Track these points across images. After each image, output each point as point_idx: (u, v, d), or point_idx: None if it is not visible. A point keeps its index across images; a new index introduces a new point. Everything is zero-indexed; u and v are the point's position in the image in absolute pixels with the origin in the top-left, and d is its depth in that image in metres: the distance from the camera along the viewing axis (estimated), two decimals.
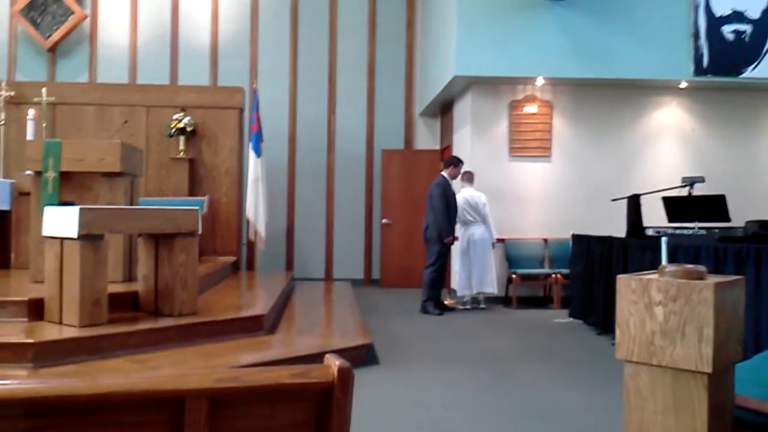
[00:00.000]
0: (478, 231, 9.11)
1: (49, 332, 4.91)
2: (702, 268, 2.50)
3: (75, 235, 4.97)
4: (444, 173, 9.14)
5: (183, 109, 9.99)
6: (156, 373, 1.43)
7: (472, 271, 9.10)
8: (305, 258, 11.90)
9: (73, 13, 11.36)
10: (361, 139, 12.00)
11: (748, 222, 6.60)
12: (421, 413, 4.55)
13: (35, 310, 5.26)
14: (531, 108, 9.87)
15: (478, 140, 9.82)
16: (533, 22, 9.25)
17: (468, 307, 9.17)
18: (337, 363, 1.54)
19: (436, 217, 8.89)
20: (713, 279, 2.48)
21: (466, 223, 9.14)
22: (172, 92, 10.39)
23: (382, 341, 6.71)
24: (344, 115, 11.97)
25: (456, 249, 9.25)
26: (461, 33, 9.24)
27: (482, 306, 9.22)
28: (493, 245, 9.28)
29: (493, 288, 9.16)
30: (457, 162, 9.22)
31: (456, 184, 9.24)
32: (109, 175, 6.24)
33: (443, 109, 11.71)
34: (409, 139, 12.11)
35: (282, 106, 11.84)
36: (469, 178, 9.31)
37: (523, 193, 9.79)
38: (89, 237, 5.05)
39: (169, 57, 11.76)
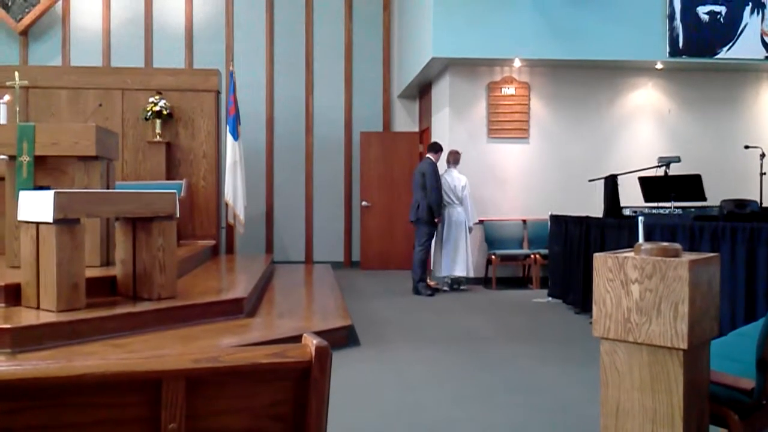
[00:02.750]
0: (454, 213, 9.13)
1: (27, 317, 4.88)
2: (677, 245, 2.53)
3: (51, 220, 4.92)
4: (431, 156, 9.19)
5: (159, 92, 9.88)
6: (133, 356, 1.42)
7: (447, 254, 9.11)
8: (285, 241, 11.87)
9: None
10: (340, 121, 11.95)
11: (723, 201, 6.67)
12: (401, 393, 4.57)
13: (12, 295, 5.21)
14: (509, 89, 9.88)
15: (456, 122, 9.82)
16: (510, 4, 9.24)
17: (446, 288, 9.20)
18: (315, 342, 1.54)
19: (430, 196, 8.93)
20: (688, 256, 2.51)
21: (447, 205, 9.15)
22: (148, 75, 10.27)
23: (362, 323, 6.72)
24: (322, 98, 11.91)
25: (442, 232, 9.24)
26: (438, 14, 9.20)
27: (463, 287, 9.24)
28: (470, 229, 9.26)
29: (463, 271, 9.13)
30: (440, 149, 9.33)
31: (461, 165, 9.36)
32: (85, 158, 6.17)
33: (421, 91, 11.68)
34: (387, 122, 12.08)
35: (259, 89, 11.76)
36: (455, 159, 9.28)
37: (502, 174, 9.82)
38: (65, 221, 5.00)
39: (144, 39, 11.62)
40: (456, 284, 9.29)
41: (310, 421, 1.56)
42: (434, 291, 9.05)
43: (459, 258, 9.12)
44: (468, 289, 9.24)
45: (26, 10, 11.15)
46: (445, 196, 9.12)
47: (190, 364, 1.44)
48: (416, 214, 9.08)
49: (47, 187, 5.68)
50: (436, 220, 9.02)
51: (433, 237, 9.23)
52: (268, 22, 11.81)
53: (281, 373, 1.54)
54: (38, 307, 5.06)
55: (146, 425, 1.43)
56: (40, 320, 4.80)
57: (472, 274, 9.23)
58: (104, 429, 1.41)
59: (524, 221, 9.76)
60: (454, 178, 9.19)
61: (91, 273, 5.55)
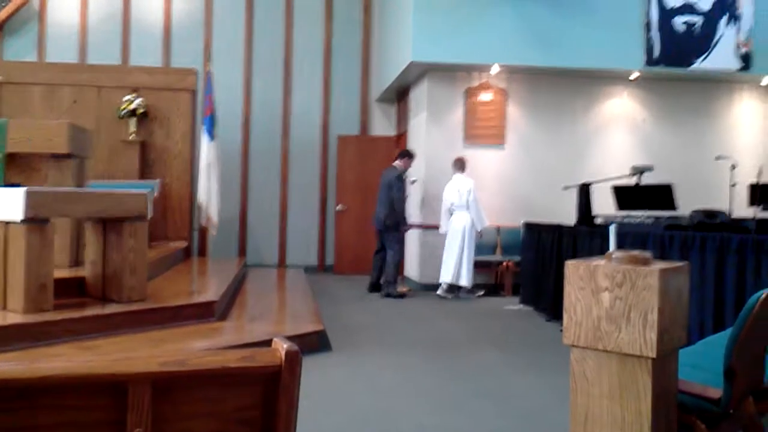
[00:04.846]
0: (461, 219, 9.06)
1: None
2: (648, 254, 2.55)
3: (20, 218, 4.85)
4: (399, 163, 9.31)
5: (135, 90, 9.79)
6: (99, 358, 1.40)
7: (450, 260, 9.04)
8: (258, 244, 11.80)
9: None
10: (317, 124, 11.92)
11: (693, 211, 6.75)
12: (372, 399, 4.57)
13: None
14: (486, 95, 9.93)
15: (433, 127, 9.85)
16: (489, 10, 9.29)
17: (445, 295, 9.10)
18: (285, 346, 1.53)
19: (396, 207, 9.09)
20: (658, 265, 2.53)
21: (453, 211, 9.12)
22: (124, 73, 10.18)
23: (335, 328, 6.70)
24: (300, 100, 11.88)
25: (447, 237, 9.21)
26: (418, 19, 9.23)
27: (439, 293, 9.13)
28: (480, 234, 9.18)
29: (467, 281, 9.01)
30: (411, 155, 9.45)
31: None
32: (57, 156, 6.10)
33: (399, 95, 11.70)
34: (365, 125, 12.08)
35: (236, 90, 11.70)
36: (460, 165, 9.24)
37: (477, 180, 9.82)
38: (35, 220, 4.92)
39: (121, 37, 11.52)
40: (453, 291, 9.15)
41: (279, 426, 1.55)
42: (403, 295, 9.13)
43: (462, 267, 9.01)
44: (467, 297, 9.08)
45: (2, 4, 11.01)
46: (447, 203, 9.12)
47: (156, 367, 1.42)
48: (383, 223, 9.20)
49: (18, 185, 5.59)
50: (404, 230, 9.23)
51: (403, 241, 9.33)
52: (247, 23, 11.76)
53: (250, 377, 1.53)
54: (4, 308, 4.97)
55: (112, 428, 1.42)
56: (7, 321, 4.72)
57: (465, 283, 9.02)
58: (69, 431, 1.39)
59: (498, 228, 9.79)
60: (459, 184, 9.16)
61: (60, 273, 5.47)
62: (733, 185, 8.25)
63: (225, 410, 1.52)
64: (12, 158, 6.07)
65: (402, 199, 9.22)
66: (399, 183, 9.19)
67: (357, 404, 4.45)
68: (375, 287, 9.40)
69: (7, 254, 4.97)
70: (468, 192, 9.08)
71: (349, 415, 4.23)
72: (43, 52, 11.33)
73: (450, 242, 9.08)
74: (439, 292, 9.16)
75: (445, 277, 9.07)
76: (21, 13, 11.22)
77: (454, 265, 9.02)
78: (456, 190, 9.11)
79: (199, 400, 1.50)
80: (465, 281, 9.02)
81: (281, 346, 1.54)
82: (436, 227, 9.38)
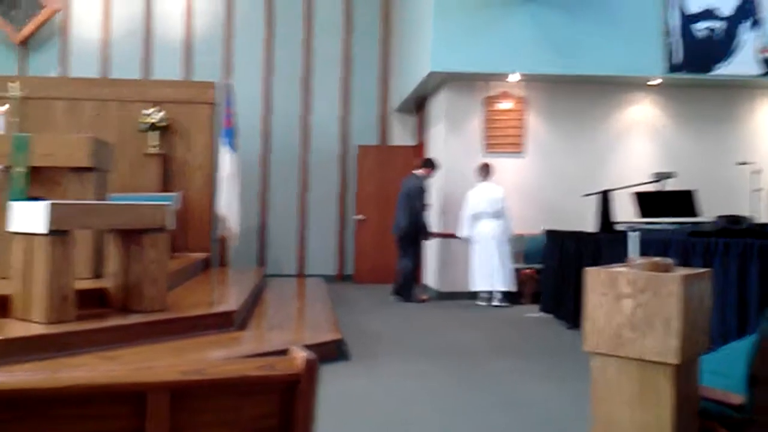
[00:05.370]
0: (493, 226, 9.04)
1: (16, 329, 4.83)
2: (669, 260, 2.53)
3: (43, 231, 4.90)
4: (421, 172, 9.36)
5: (156, 104, 9.88)
6: (119, 367, 1.41)
7: (485, 267, 9.02)
8: (278, 254, 11.84)
9: (44, 6, 11.20)
10: (336, 134, 11.96)
11: (717, 217, 6.69)
12: (391, 407, 4.55)
13: (2, 306, 5.17)
14: (505, 104, 9.91)
15: (452, 136, 9.84)
16: (508, 19, 9.28)
17: (483, 304, 9.08)
18: (303, 355, 1.53)
19: (418, 218, 9.22)
20: (681, 272, 2.51)
21: (480, 218, 9.09)
22: (145, 87, 10.27)
23: (353, 337, 6.69)
24: (319, 111, 11.93)
25: (473, 246, 9.20)
26: (437, 29, 9.24)
27: (495, 303, 9.02)
28: (509, 241, 9.22)
29: (505, 285, 8.98)
30: (434, 166, 9.50)
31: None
32: (79, 170, 6.15)
33: (418, 105, 11.71)
34: (384, 135, 12.10)
35: (256, 102, 11.77)
36: (486, 172, 9.22)
37: None
38: (58, 232, 4.98)
39: (142, 51, 11.64)
40: (494, 299, 9.10)
41: None
42: (423, 301, 9.30)
43: (498, 273, 8.99)
44: (505, 305, 8.99)
45: (26, 21, 11.18)
46: (473, 209, 9.10)
47: (175, 376, 1.43)
48: (401, 231, 9.30)
49: (41, 198, 5.65)
50: (425, 240, 9.30)
51: (420, 250, 9.44)
52: (266, 36, 11.84)
53: (268, 385, 1.53)
54: (28, 319, 5.02)
55: None
56: (30, 332, 4.76)
57: (508, 288, 9.04)
58: None
59: (520, 236, 9.75)
60: (491, 190, 9.14)
61: (81, 285, 5.52)
62: (756, 191, 8.17)
63: (243, 419, 1.53)
64: (35, 172, 6.14)
65: (424, 209, 9.26)
66: (421, 193, 9.23)
67: (375, 413, 4.44)
68: (399, 292, 9.49)
69: (31, 266, 5.03)
70: (502, 200, 9.08)
71: (367, 424, 4.22)
72: (66, 68, 11.47)
73: (482, 250, 9.03)
74: (479, 301, 9.12)
75: (498, 285, 9.01)
76: (44, 30, 11.38)
77: (492, 273, 8.98)
78: (486, 197, 9.07)
79: (218, 409, 1.50)
80: (508, 287, 9.00)
81: (299, 355, 1.54)
82: (457, 236, 9.36)
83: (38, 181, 6.16)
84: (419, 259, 9.55)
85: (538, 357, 6.14)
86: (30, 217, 5.01)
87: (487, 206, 9.04)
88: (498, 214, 9.07)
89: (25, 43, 11.34)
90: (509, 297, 9.11)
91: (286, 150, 11.84)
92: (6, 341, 4.55)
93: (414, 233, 9.26)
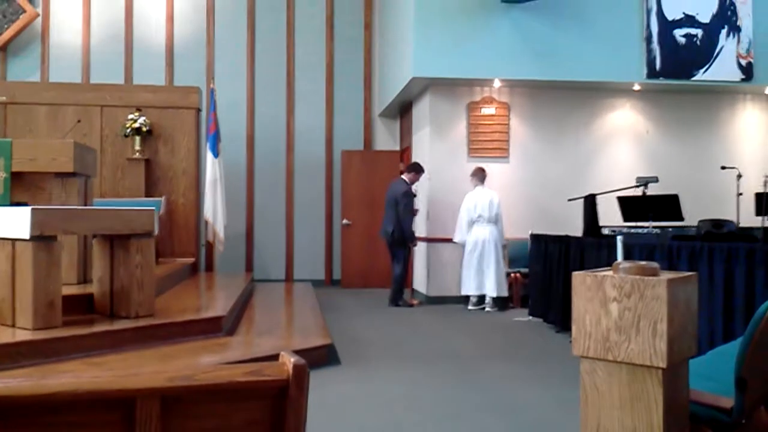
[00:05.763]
0: (481, 232, 9.07)
1: (2, 335, 4.80)
2: (655, 264, 2.54)
3: (27, 236, 4.86)
4: (406, 177, 9.40)
5: (138, 109, 9.83)
6: (107, 374, 1.40)
7: (476, 272, 9.04)
8: (265, 259, 11.81)
9: (24, 11, 11.12)
10: (321, 140, 11.96)
11: (700, 221, 6.73)
12: (381, 412, 4.54)
13: None
14: (489, 109, 9.94)
15: (436, 141, 9.86)
16: (490, 25, 9.32)
17: (474, 308, 9.08)
18: (292, 360, 1.52)
19: (403, 224, 9.21)
20: (666, 275, 2.52)
21: (476, 223, 9.09)
22: (127, 92, 10.22)
23: (343, 341, 6.68)
24: (303, 116, 11.92)
25: (466, 250, 9.19)
26: (418, 34, 9.26)
27: (487, 309, 9.04)
28: (505, 246, 9.31)
29: (497, 291, 9.03)
30: (419, 170, 9.50)
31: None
32: (62, 175, 6.12)
33: (402, 110, 11.73)
34: (368, 140, 12.10)
35: (240, 107, 11.75)
36: (480, 177, 9.23)
37: None
38: (42, 238, 4.94)
39: (124, 56, 11.58)
40: (481, 303, 9.14)
41: None
42: (412, 305, 9.34)
43: (492, 278, 9.02)
44: (493, 310, 9.02)
45: (5, 26, 11.09)
46: (467, 216, 9.10)
47: (164, 382, 1.42)
48: (391, 236, 9.29)
49: (24, 204, 5.61)
50: (412, 245, 9.33)
51: (408, 255, 9.46)
52: (249, 41, 11.83)
53: (258, 391, 1.52)
54: (14, 325, 4.98)
55: None
56: (16, 338, 4.73)
57: (498, 294, 9.07)
58: None
59: (505, 240, 9.76)
60: (486, 195, 9.15)
61: (68, 291, 5.48)
62: (740, 195, 8.23)
63: (233, 425, 1.52)
64: (18, 177, 6.09)
65: (409, 215, 9.27)
66: (406, 199, 9.25)
67: (366, 418, 4.43)
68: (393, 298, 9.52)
69: (16, 272, 4.99)
70: (498, 205, 9.14)
71: (357, 429, 4.21)
72: (46, 73, 11.39)
73: (479, 255, 9.04)
74: (470, 306, 9.13)
75: (475, 289, 9.06)
76: (24, 35, 11.30)
77: (485, 278, 9.02)
78: (482, 202, 9.09)
79: (207, 415, 1.49)
80: (499, 292, 9.05)
81: (288, 360, 1.53)
82: (444, 240, 9.37)
83: (22, 187, 6.11)
84: (407, 264, 9.56)
85: (527, 361, 6.15)
86: (13, 222, 4.97)
87: (484, 211, 9.07)
88: (493, 219, 9.11)
89: (4, 48, 11.25)
90: (499, 301, 9.14)
91: (271, 155, 11.82)
92: None
93: (401, 238, 9.27)
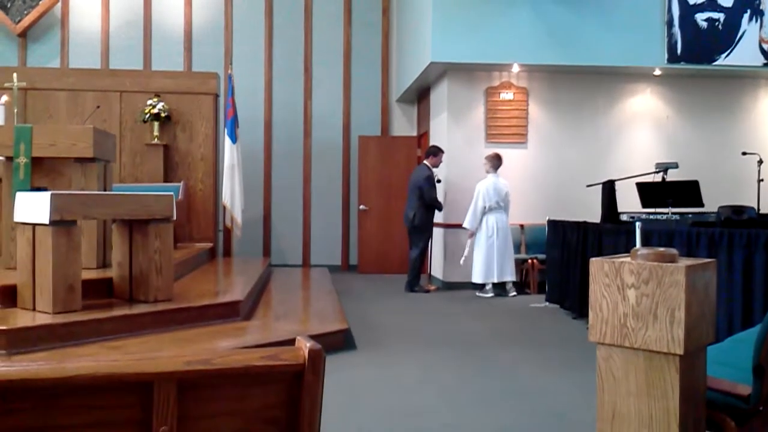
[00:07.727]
0: (501, 218, 9.07)
1: (22, 319, 4.86)
2: (673, 251, 2.52)
3: (47, 221, 4.90)
4: (427, 162, 9.40)
5: (157, 95, 9.87)
6: (125, 357, 1.41)
7: (495, 259, 9.01)
8: (282, 244, 11.86)
9: None
10: (338, 125, 11.96)
11: (720, 207, 6.67)
12: (397, 397, 4.56)
13: (8, 296, 5.20)
14: (507, 94, 9.88)
15: (454, 127, 9.82)
16: (508, 9, 9.25)
17: (491, 294, 9.03)
18: (308, 345, 1.53)
19: (427, 208, 9.29)
20: (685, 262, 2.50)
21: (490, 210, 9.07)
22: (146, 77, 10.26)
23: (359, 326, 6.71)
24: (320, 102, 11.92)
25: (480, 236, 9.13)
26: (437, 19, 9.21)
27: (512, 294, 9.04)
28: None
29: (513, 276, 9.09)
30: (437, 151, 9.50)
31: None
32: (82, 160, 6.17)
33: (420, 95, 11.69)
34: (385, 126, 12.08)
35: (258, 92, 11.76)
36: (495, 164, 9.17)
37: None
38: (62, 223, 4.98)
39: (143, 42, 11.62)
40: (502, 290, 9.12)
41: (303, 424, 1.55)
42: (428, 291, 9.39)
43: (508, 264, 9.05)
44: (516, 295, 9.04)
45: (25, 12, 11.15)
46: (483, 202, 9.05)
47: (181, 366, 1.43)
48: (412, 222, 9.32)
49: (44, 189, 5.66)
50: (438, 210, 9.45)
51: (429, 240, 9.46)
52: (267, 27, 11.82)
53: (274, 375, 1.53)
54: (34, 309, 5.04)
55: (138, 427, 1.43)
56: (36, 322, 4.78)
57: (513, 278, 9.15)
58: (95, 431, 1.40)
59: (522, 226, 9.74)
60: (500, 183, 9.13)
61: (87, 275, 5.53)
62: (761, 180, 8.15)
63: (249, 409, 1.53)
64: (38, 163, 6.15)
65: (433, 197, 9.32)
66: (427, 184, 9.25)
67: (382, 403, 4.45)
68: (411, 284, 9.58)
69: (36, 256, 5.04)
70: (509, 193, 9.17)
71: (374, 414, 4.23)
72: (66, 58, 11.46)
73: (491, 242, 9.01)
74: (483, 293, 9.06)
75: (507, 275, 9.05)
76: (44, 20, 11.36)
77: (502, 264, 9.00)
78: (497, 190, 9.05)
79: (224, 399, 1.50)
80: (514, 276, 9.11)
81: (304, 345, 1.54)
82: (461, 226, 9.33)
83: (42, 172, 6.17)
84: (426, 250, 9.56)
85: (544, 347, 6.14)
86: (33, 207, 5.02)
87: (500, 199, 9.05)
88: (505, 207, 9.11)
89: (24, 34, 11.32)
90: (516, 287, 9.14)
91: (288, 141, 11.84)
92: (12, 331, 4.56)
93: (421, 224, 9.30)
